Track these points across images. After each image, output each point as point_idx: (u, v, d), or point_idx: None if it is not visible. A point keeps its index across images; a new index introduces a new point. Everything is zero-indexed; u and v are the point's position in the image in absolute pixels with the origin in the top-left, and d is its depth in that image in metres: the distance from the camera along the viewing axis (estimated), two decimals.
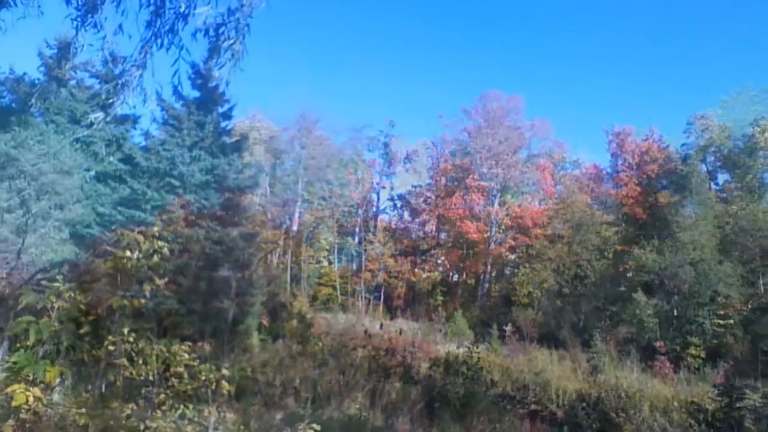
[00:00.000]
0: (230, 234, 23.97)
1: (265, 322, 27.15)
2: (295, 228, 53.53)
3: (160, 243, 5.43)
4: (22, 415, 4.28)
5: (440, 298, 53.04)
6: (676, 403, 19.37)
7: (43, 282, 5.00)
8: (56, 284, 4.83)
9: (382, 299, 53.80)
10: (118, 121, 29.00)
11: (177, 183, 24.02)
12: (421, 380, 16.76)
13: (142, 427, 5.22)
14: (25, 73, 30.12)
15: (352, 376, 13.92)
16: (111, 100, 6.29)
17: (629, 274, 45.55)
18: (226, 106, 26.64)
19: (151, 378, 5.49)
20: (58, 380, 4.27)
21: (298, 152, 53.91)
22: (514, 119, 55.06)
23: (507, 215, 52.50)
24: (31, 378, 4.18)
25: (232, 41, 5.66)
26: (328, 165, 53.08)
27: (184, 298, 21.75)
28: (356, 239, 59.80)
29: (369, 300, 52.68)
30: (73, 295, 4.83)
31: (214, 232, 23.46)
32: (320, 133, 55.66)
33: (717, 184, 55.33)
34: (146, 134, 27.14)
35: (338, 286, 52.58)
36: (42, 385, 4.35)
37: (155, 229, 5.46)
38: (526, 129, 55.80)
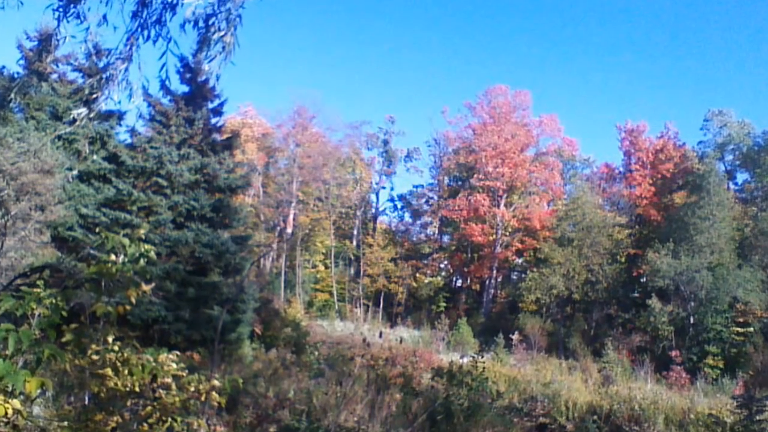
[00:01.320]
0: (221, 237, 23.98)
1: (257, 330, 27.16)
2: (289, 230, 53.58)
3: (147, 246, 5.42)
4: (1, 429, 4.29)
5: (443, 304, 53.10)
6: (692, 416, 19.38)
7: (23, 287, 4.99)
8: (37, 290, 4.82)
9: (381, 306, 53.83)
10: (102, 117, 28.97)
11: (165, 183, 24.01)
12: (423, 391, 16.75)
13: None
14: (3, 67, 30.08)
15: (350, 387, 13.92)
16: (95, 96, 6.29)
17: (643, 280, 45.56)
18: (217, 102, 26.64)
19: (137, 389, 5.49)
20: (38, 391, 4.27)
21: (293, 150, 53.99)
22: (521, 115, 55.18)
23: (514, 217, 52.55)
24: (10, 389, 4.17)
25: (222, 33, 5.66)
26: (324, 164, 53.13)
27: (172, 305, 21.76)
28: (354, 242, 59.87)
29: (368, 306, 52.71)
30: (54, 301, 4.82)
31: (204, 235, 23.46)
32: (316, 130, 55.78)
33: (736, 183, 55.44)
34: (132, 131, 27.10)
35: (335, 292, 52.61)
36: (22, 397, 4.34)
37: (141, 231, 5.45)
38: (533, 126, 55.91)
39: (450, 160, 59.16)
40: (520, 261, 56.34)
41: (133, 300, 5.61)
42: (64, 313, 5.15)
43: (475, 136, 54.18)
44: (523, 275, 53.46)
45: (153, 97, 25.28)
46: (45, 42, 29.48)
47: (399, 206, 65.59)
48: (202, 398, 5.65)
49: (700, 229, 40.26)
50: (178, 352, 5.98)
